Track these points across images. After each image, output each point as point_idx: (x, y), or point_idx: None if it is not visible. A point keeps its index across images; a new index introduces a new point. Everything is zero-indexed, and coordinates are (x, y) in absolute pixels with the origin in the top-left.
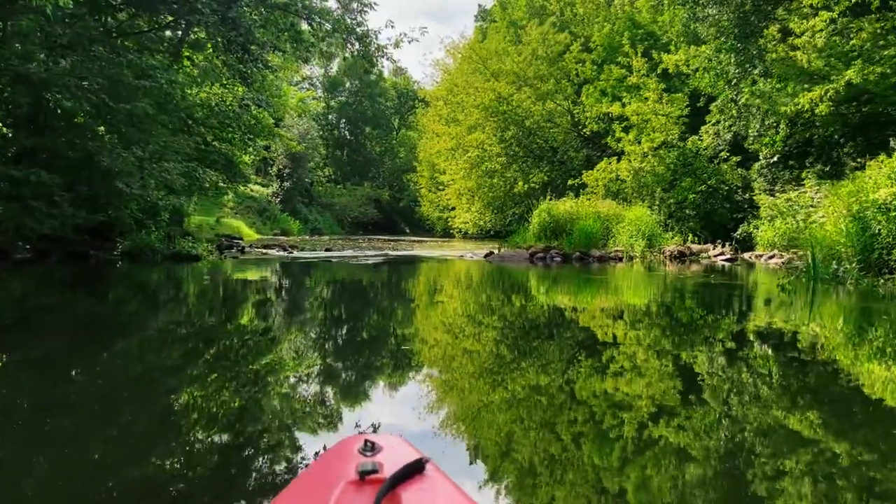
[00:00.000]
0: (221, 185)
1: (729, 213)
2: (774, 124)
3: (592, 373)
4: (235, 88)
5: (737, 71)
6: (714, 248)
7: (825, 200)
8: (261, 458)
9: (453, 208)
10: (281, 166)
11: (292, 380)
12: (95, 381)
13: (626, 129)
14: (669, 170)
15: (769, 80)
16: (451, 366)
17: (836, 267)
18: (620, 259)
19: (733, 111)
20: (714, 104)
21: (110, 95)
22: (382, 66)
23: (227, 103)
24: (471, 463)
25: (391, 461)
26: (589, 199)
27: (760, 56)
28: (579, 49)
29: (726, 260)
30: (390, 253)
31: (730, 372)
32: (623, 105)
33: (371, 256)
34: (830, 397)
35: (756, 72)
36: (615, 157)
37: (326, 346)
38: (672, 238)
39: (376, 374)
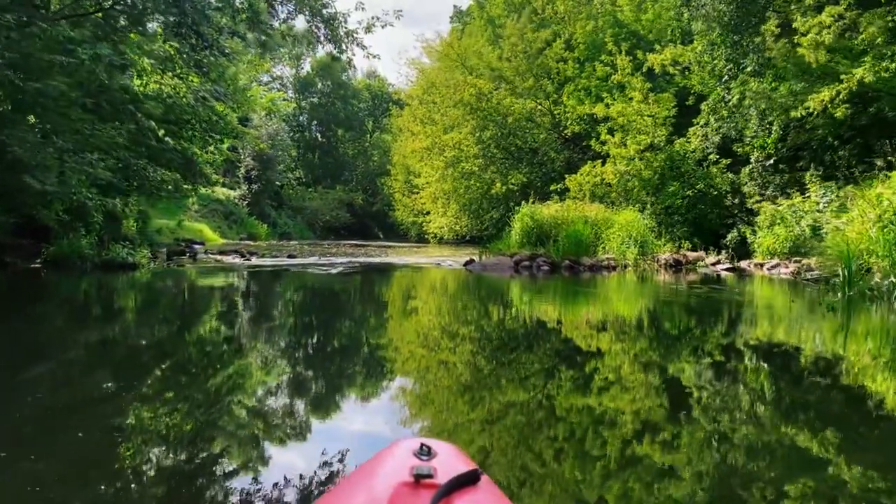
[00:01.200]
0: (185, 185)
1: (718, 219)
2: (768, 125)
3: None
4: (191, 79)
5: (729, 68)
6: (709, 256)
7: (833, 205)
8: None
9: (428, 213)
10: (248, 168)
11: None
12: None
13: (610, 131)
14: (656, 174)
15: (763, 78)
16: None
17: (878, 281)
18: (614, 268)
19: (723, 111)
20: (705, 103)
21: (20, 73)
22: (353, 54)
23: (182, 95)
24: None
25: (445, 468)
26: (575, 203)
27: (758, 51)
28: (561, 47)
29: (726, 269)
30: (360, 260)
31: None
32: (607, 106)
33: (338, 264)
34: None
35: (748, 70)
36: (600, 160)
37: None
38: (664, 245)
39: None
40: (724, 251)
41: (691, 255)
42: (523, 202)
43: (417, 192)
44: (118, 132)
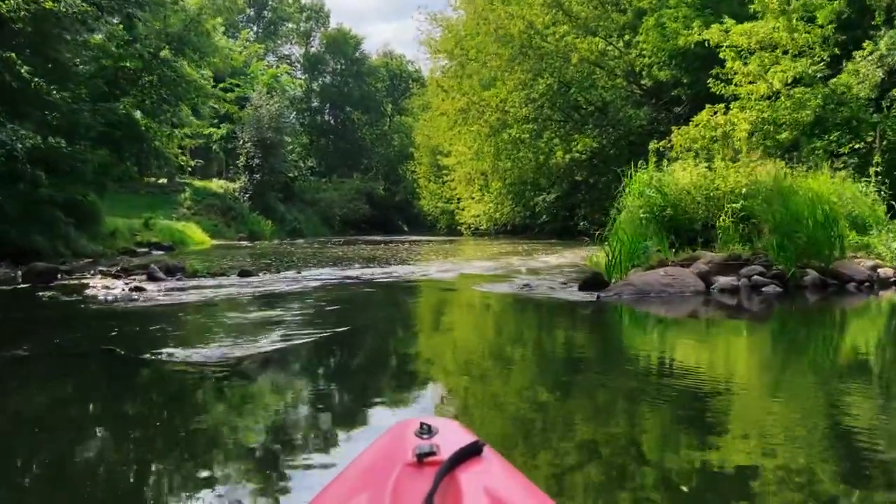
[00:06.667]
0: (112, 174)
1: None
2: None
3: None
4: None
5: None
6: None
7: None
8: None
9: (459, 199)
10: (249, 155)
11: None
12: None
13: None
14: (814, 114)
15: None
16: None
17: None
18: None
19: None
20: None
21: None
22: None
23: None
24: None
25: (448, 444)
26: (728, 162)
27: None
28: None
29: None
30: (370, 273)
31: None
32: (726, 31)
33: (315, 293)
34: None
35: None
36: (722, 105)
37: None
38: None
39: None
40: None
41: None
42: (631, 164)
43: (447, 174)
44: None
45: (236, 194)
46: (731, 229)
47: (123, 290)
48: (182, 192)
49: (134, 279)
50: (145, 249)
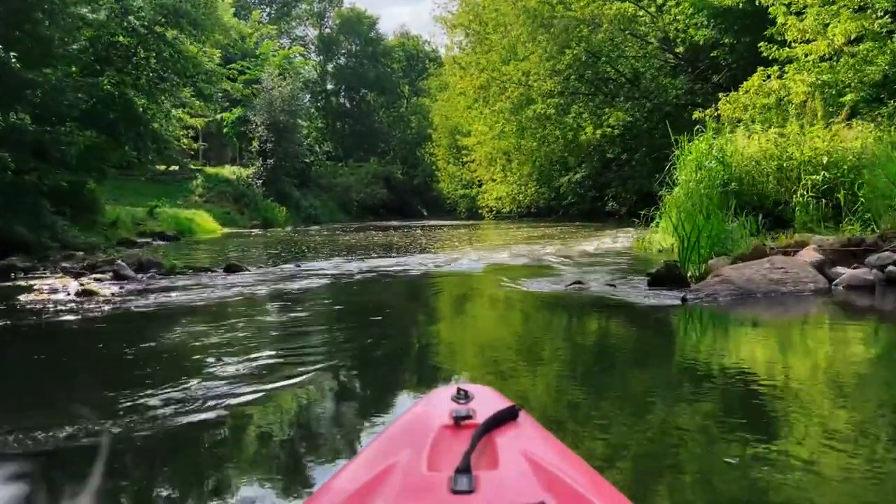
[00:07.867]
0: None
1: None
2: None
3: None
4: None
5: None
6: None
7: None
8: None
9: (481, 183)
10: (262, 139)
11: None
12: None
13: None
14: (882, 73)
15: None
16: None
17: None
18: None
19: None
20: None
21: None
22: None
23: None
24: None
25: (484, 408)
26: (804, 124)
27: None
28: None
29: None
30: (378, 266)
31: None
32: None
33: (312, 292)
34: None
35: None
36: (775, 68)
37: None
38: None
39: None
40: None
41: None
42: (684, 134)
43: (467, 155)
44: None
45: (249, 180)
46: (812, 206)
47: (69, 294)
48: (193, 179)
49: (95, 278)
50: (147, 240)
